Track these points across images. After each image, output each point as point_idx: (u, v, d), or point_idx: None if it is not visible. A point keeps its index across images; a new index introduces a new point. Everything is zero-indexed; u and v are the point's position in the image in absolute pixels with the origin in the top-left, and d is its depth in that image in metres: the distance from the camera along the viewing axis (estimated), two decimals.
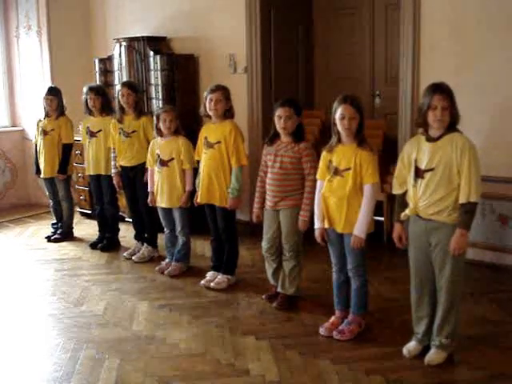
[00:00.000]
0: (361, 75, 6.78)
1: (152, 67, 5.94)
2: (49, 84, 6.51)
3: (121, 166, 5.18)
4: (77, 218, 6.40)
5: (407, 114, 5.08)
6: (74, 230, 6.05)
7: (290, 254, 4.04)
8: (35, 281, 4.82)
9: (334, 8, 6.86)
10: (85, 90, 5.37)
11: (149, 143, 4.96)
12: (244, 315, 4.02)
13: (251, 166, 5.34)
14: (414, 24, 4.92)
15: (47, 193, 6.05)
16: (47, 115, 5.75)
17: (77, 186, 6.68)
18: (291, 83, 6.58)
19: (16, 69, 7.37)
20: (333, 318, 3.73)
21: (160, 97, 5.90)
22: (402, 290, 4.19)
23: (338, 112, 3.41)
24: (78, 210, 6.70)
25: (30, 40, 7.14)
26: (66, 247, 5.69)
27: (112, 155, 5.26)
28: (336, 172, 3.48)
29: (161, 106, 5.67)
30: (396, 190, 3.35)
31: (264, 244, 4.15)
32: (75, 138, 5.95)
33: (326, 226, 3.58)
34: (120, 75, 6.17)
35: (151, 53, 5.95)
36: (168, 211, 4.81)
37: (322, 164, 3.61)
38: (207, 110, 4.32)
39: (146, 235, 5.30)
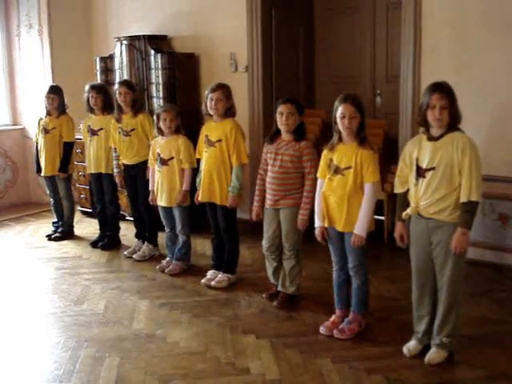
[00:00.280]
0: (361, 74, 6.78)
1: (153, 66, 5.94)
2: (50, 82, 6.50)
3: (123, 164, 5.19)
4: (77, 216, 6.40)
5: (408, 114, 5.08)
6: (74, 229, 6.05)
7: (290, 253, 4.04)
8: (36, 279, 4.82)
9: (335, 7, 6.85)
10: (87, 88, 5.37)
11: (148, 140, 4.98)
12: (244, 314, 4.02)
13: (252, 164, 5.35)
14: (415, 24, 4.92)
15: (48, 191, 6.06)
16: (48, 113, 5.75)
17: (77, 185, 6.68)
18: (292, 82, 6.58)
19: (17, 67, 7.37)
20: (333, 317, 3.74)
21: (161, 95, 5.90)
22: (402, 289, 4.20)
23: (339, 111, 3.42)
24: (79, 208, 6.70)
25: (31, 38, 7.14)
26: (66, 246, 5.70)
27: (114, 155, 5.27)
28: (337, 170, 3.49)
29: (162, 104, 5.67)
30: (398, 189, 3.35)
31: (264, 243, 4.15)
32: (76, 137, 5.95)
33: (326, 224, 3.59)
34: (121, 74, 6.17)
35: (152, 51, 5.95)
36: (168, 210, 4.82)
37: (322, 162, 3.61)
38: (208, 109, 4.32)
39: (146, 234, 5.31)
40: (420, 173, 3.17)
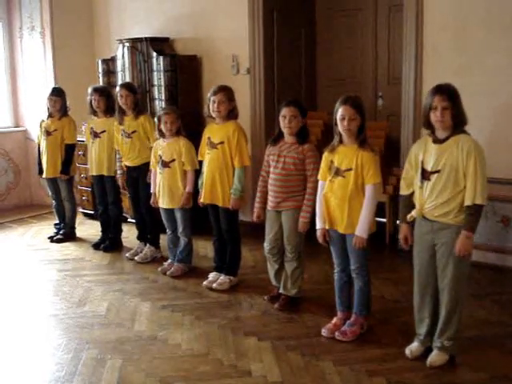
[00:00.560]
0: (363, 76, 6.78)
1: (155, 68, 5.95)
2: (52, 85, 6.52)
3: (126, 166, 5.20)
4: (79, 218, 6.41)
5: (410, 116, 5.08)
6: (76, 231, 6.06)
7: (292, 255, 4.04)
8: (38, 281, 4.83)
9: (337, 9, 6.85)
10: (89, 90, 5.38)
11: (150, 142, 4.99)
12: (246, 316, 4.02)
13: (254, 166, 5.35)
14: (417, 26, 4.92)
15: (50, 193, 6.07)
16: (50, 115, 5.76)
17: (79, 187, 6.69)
18: (294, 84, 6.58)
19: (19, 69, 7.39)
20: (335, 319, 3.73)
21: (163, 98, 5.91)
22: (404, 291, 4.19)
23: (339, 113, 3.44)
24: (81, 210, 6.70)
25: (34, 41, 7.16)
26: (68, 247, 5.70)
27: (117, 157, 5.28)
28: (337, 172, 3.49)
29: (164, 106, 5.67)
30: (403, 191, 3.35)
31: (266, 245, 4.16)
32: (78, 139, 5.97)
33: (327, 226, 3.59)
34: (123, 76, 6.18)
35: (154, 54, 5.96)
36: (170, 212, 4.82)
37: (323, 164, 3.62)
38: (210, 111, 4.32)
39: (148, 236, 5.31)
40: (425, 175, 3.16)
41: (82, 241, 5.90)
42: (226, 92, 4.29)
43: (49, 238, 5.95)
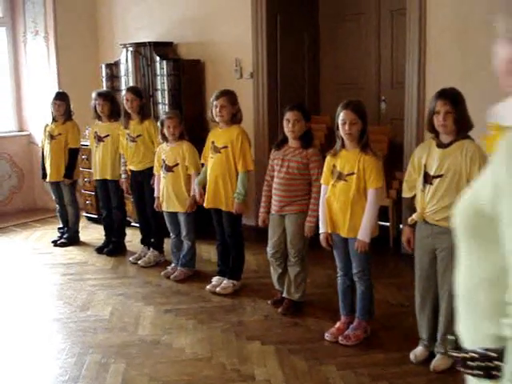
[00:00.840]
0: (366, 81, 6.78)
1: (158, 72, 5.96)
2: (56, 89, 6.52)
3: (130, 171, 5.22)
4: (83, 222, 6.41)
5: (413, 120, 5.08)
6: (80, 235, 6.07)
7: (295, 260, 4.04)
8: (41, 285, 4.83)
9: (340, 14, 6.85)
10: (94, 95, 5.40)
11: (154, 146, 5.00)
12: (249, 320, 4.02)
13: (257, 171, 5.35)
14: (420, 30, 4.92)
15: (53, 197, 6.08)
16: (54, 120, 5.77)
17: (83, 191, 6.70)
18: (297, 88, 6.58)
19: (23, 74, 7.40)
20: (338, 324, 3.73)
21: (166, 102, 5.92)
22: (408, 295, 4.17)
23: (340, 117, 3.45)
24: (85, 214, 6.71)
25: (38, 45, 7.18)
26: (72, 252, 5.71)
27: (122, 161, 5.30)
28: (340, 177, 3.50)
29: (167, 111, 5.68)
30: (406, 194, 3.35)
31: (269, 249, 4.15)
32: (82, 143, 5.98)
33: (330, 230, 3.59)
34: (126, 80, 6.20)
35: (158, 58, 5.97)
36: (173, 216, 4.83)
37: (325, 169, 3.63)
38: (214, 115, 4.33)
39: (152, 240, 5.32)
40: (427, 179, 3.16)
41: (86, 245, 5.91)
42: (229, 96, 4.30)
43: (52, 242, 5.96)
